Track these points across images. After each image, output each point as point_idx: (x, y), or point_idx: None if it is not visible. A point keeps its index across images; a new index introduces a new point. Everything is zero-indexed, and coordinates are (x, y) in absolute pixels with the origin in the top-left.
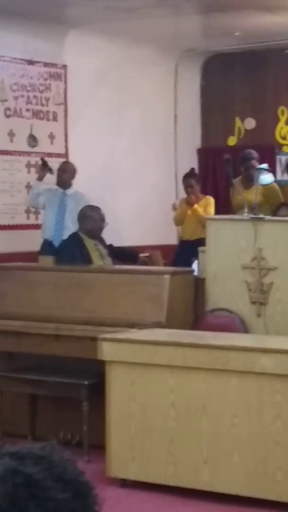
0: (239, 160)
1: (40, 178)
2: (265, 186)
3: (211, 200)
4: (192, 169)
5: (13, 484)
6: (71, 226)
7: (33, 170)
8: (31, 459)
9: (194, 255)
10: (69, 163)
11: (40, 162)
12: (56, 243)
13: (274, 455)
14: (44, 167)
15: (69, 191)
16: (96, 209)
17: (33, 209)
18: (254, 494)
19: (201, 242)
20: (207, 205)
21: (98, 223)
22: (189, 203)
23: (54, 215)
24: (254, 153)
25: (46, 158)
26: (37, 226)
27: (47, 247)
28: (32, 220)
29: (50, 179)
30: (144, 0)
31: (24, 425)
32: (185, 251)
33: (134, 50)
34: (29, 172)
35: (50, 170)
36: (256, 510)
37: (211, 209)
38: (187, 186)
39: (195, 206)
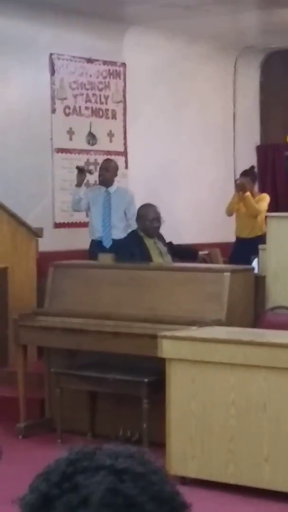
0: None
1: (79, 184)
2: None
3: (266, 197)
4: (252, 168)
5: (114, 505)
6: (118, 224)
7: (92, 168)
8: (130, 475)
9: (252, 252)
10: (111, 160)
11: (78, 169)
12: (106, 243)
13: None
14: (81, 173)
15: (112, 189)
16: (150, 207)
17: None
18: None
19: (259, 240)
20: (261, 199)
21: (152, 222)
22: (243, 192)
23: (100, 215)
24: None
25: (101, 157)
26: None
27: (95, 247)
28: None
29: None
30: None
31: (84, 422)
32: (242, 249)
33: (192, 48)
34: (80, 180)
35: (90, 171)
36: None
37: (264, 204)
38: (241, 185)
39: (247, 193)
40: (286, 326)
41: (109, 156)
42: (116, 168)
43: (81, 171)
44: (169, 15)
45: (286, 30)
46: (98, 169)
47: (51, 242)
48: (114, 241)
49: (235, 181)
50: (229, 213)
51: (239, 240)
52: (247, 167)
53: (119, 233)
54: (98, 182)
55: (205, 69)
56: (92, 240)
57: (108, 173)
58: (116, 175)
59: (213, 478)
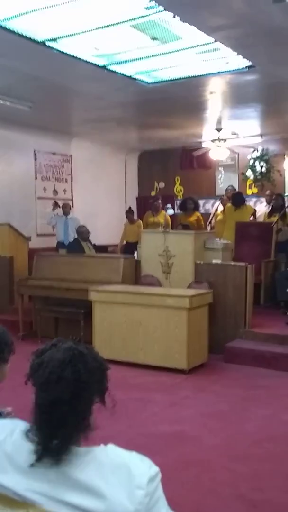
0: (153, 199)
1: (53, 210)
2: (167, 216)
3: (141, 223)
4: (130, 208)
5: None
6: (72, 234)
7: (59, 203)
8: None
9: (135, 249)
10: (68, 204)
11: (53, 203)
12: (66, 243)
13: (174, 348)
14: (55, 206)
15: (69, 216)
16: (84, 227)
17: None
18: (163, 364)
19: (137, 243)
20: (139, 226)
21: (86, 235)
22: (131, 222)
23: (62, 229)
24: (160, 196)
25: (61, 201)
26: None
27: (60, 245)
28: (54, 231)
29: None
30: (109, 124)
31: (52, 333)
32: (129, 247)
33: (105, 149)
34: (53, 209)
35: (57, 205)
36: (162, 373)
37: (141, 228)
38: (127, 217)
39: (139, 222)
40: (151, 284)
41: (65, 202)
42: (70, 207)
43: (56, 204)
44: (94, 131)
45: (150, 140)
46: (62, 206)
47: (35, 243)
48: (69, 242)
49: (128, 215)
50: (123, 238)
51: (127, 243)
52: (128, 208)
53: (71, 238)
54: (62, 213)
55: (112, 160)
56: (58, 241)
57: (66, 209)
58: (70, 210)
59: (115, 357)
